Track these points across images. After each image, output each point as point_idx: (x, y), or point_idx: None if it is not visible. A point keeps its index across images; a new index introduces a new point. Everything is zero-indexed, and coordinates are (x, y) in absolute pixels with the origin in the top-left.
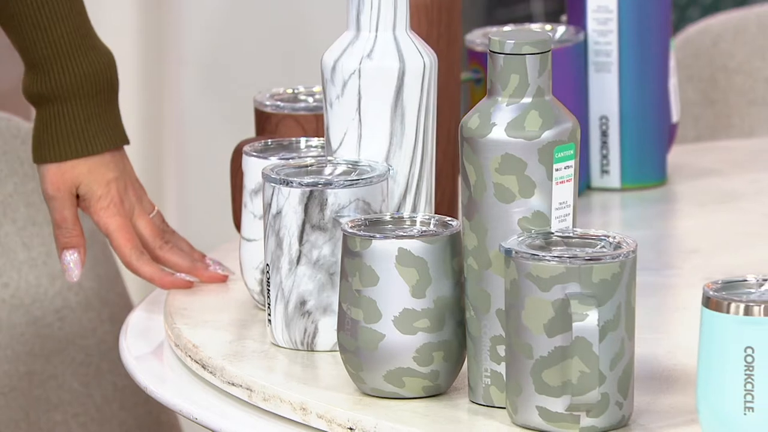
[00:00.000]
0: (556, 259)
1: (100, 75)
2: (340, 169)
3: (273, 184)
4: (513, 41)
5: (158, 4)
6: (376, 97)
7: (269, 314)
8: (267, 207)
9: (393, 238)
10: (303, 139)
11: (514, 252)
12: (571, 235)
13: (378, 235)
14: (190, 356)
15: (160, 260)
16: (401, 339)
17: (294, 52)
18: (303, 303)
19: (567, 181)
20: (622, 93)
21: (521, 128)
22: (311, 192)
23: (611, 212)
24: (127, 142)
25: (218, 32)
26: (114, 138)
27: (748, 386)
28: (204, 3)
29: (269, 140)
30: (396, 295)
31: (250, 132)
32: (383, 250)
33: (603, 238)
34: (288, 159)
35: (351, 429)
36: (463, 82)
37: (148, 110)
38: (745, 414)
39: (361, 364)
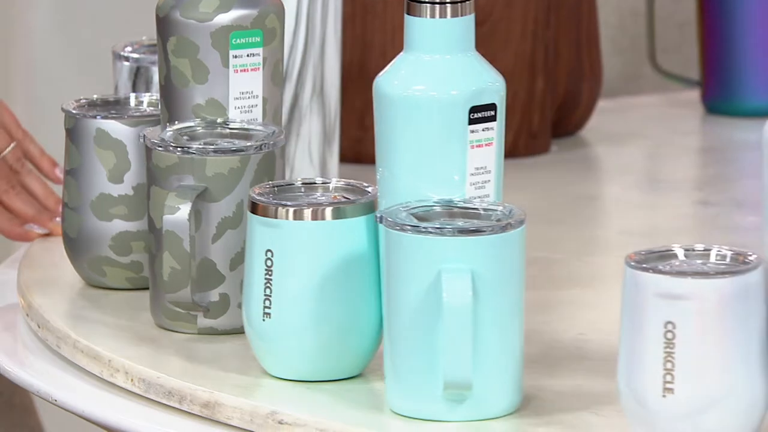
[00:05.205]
0: (171, 148)
1: None
2: None
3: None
4: None
5: None
6: None
7: None
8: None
9: (96, 117)
10: None
11: (146, 139)
12: (239, 127)
13: (80, 114)
14: (45, 329)
15: (3, 205)
16: (98, 225)
17: None
18: None
19: (252, 69)
20: None
21: (195, 9)
22: (138, 68)
23: None
24: None
25: None
26: None
27: (267, 291)
28: None
29: None
30: (94, 178)
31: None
32: (83, 129)
33: (261, 131)
34: None
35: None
36: None
37: None
38: (263, 320)
39: (69, 250)
